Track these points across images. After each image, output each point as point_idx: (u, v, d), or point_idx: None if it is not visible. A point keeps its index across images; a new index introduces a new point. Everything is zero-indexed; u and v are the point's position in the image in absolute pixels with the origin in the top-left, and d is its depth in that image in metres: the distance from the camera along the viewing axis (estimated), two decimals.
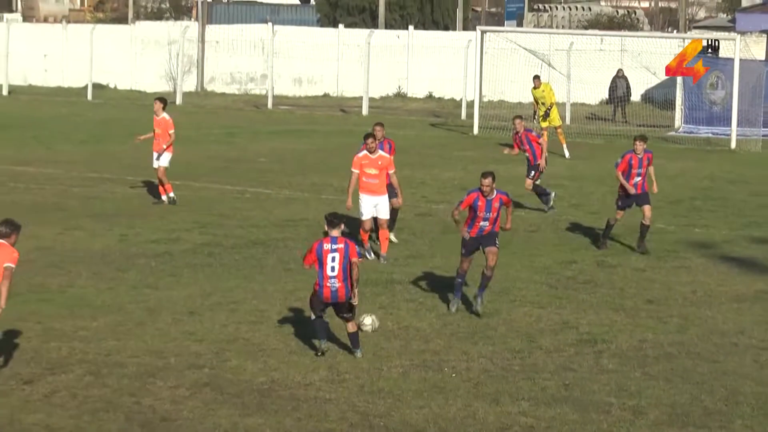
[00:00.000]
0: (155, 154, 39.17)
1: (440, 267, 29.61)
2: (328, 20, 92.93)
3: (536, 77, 53.25)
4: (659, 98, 70.10)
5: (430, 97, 78.25)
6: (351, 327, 22.88)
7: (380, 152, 30.95)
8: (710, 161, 50.77)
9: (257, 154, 49.95)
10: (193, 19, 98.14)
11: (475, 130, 60.02)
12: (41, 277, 28.25)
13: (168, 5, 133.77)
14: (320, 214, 28.13)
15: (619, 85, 69.04)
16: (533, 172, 38.47)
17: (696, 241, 33.11)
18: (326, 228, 23.24)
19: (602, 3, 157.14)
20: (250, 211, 32.37)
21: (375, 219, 30.77)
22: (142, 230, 33.81)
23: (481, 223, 24.13)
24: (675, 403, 20.06)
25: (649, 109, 68.44)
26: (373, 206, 30.58)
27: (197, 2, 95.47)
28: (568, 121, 64.08)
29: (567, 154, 50.97)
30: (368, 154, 30.70)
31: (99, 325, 24.40)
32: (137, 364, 22.02)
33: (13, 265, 21.28)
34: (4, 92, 79.50)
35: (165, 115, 40.59)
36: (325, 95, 79.26)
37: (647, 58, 65.17)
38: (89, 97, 76.08)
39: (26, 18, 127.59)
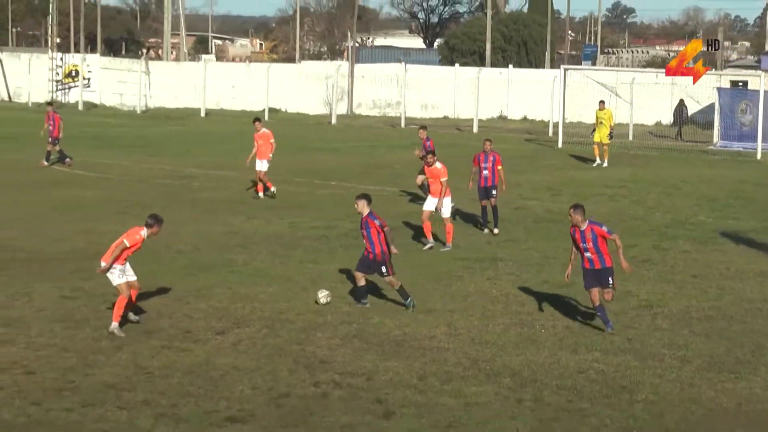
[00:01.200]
0: (258, 162, 38.54)
1: (532, 248, 29.97)
2: (447, 60, 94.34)
3: (601, 101, 53.27)
4: (701, 120, 70.42)
5: (524, 119, 78.62)
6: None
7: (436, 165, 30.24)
8: (741, 169, 50.51)
9: (392, 162, 50.36)
10: (344, 59, 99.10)
11: (559, 144, 60.31)
12: (230, 254, 28.86)
13: (326, 49, 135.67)
14: None
15: (683, 111, 69.94)
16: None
17: (729, 230, 32.89)
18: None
19: (657, 48, 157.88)
20: (385, 207, 32.50)
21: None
22: (305, 219, 34.09)
23: (586, 255, 21.79)
24: (713, 354, 20.15)
25: (693, 129, 68.72)
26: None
27: (348, 46, 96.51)
28: (630, 137, 64.99)
29: (605, 163, 50.61)
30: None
31: (273, 290, 24.82)
32: (302, 320, 22.41)
33: (128, 244, 21.22)
34: (202, 114, 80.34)
35: (264, 129, 39.66)
36: (445, 117, 79.79)
37: (691, 90, 65.42)
38: (266, 117, 76.82)
39: (219, 58, 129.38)
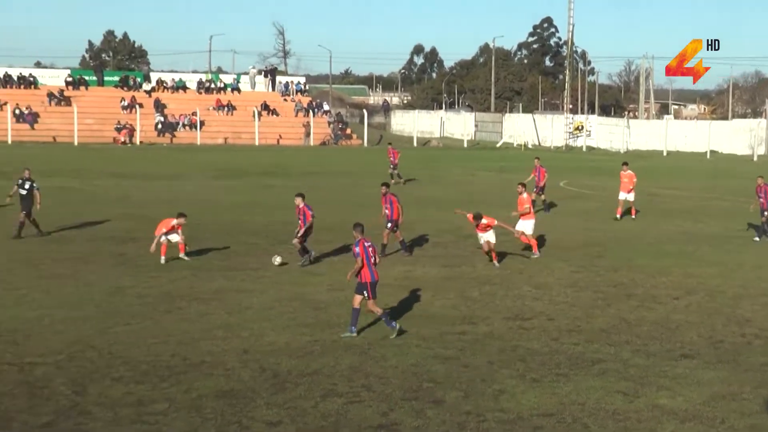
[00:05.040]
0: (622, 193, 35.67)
1: None
2: None
3: None
4: None
5: None
6: None
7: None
8: None
9: None
10: (764, 117, 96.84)
11: None
12: (683, 246, 29.00)
13: (750, 110, 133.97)
14: None
15: None
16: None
17: None
18: None
19: None
20: None
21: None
22: (718, 224, 34.39)
23: None
24: None
25: None
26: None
27: (765, 109, 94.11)
28: None
29: None
30: None
31: (713, 271, 25.12)
32: (733, 292, 22.60)
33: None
34: (664, 154, 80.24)
35: (629, 171, 35.75)
36: None
37: None
38: (707, 157, 77.23)
39: (676, 117, 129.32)
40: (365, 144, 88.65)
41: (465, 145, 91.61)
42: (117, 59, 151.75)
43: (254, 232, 30.76)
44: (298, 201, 25.17)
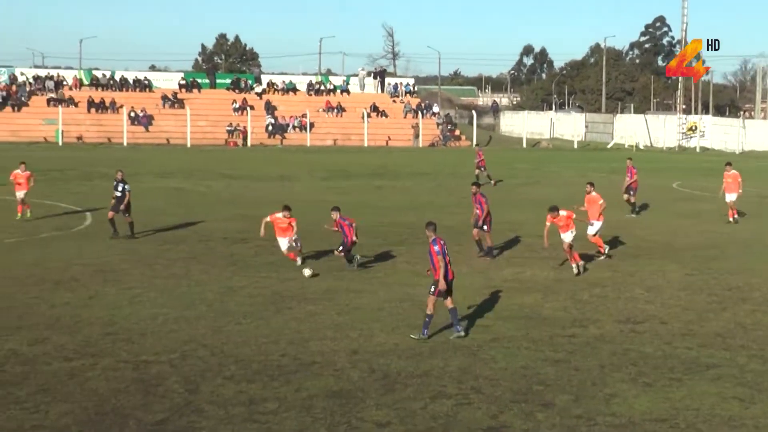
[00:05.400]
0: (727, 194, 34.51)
1: None
2: None
3: None
4: None
5: None
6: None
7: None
8: None
9: None
10: None
11: None
12: None
13: None
14: None
15: None
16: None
17: None
18: None
19: None
20: None
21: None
22: None
23: None
24: None
25: None
26: None
27: None
28: None
29: None
30: None
31: None
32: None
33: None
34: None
35: (733, 171, 34.76)
36: None
37: None
38: None
39: None
40: (474, 145, 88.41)
41: (575, 146, 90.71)
42: (229, 62, 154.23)
43: (363, 233, 30.84)
44: (335, 215, 24.87)
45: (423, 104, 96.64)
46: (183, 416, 13.22)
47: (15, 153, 63.99)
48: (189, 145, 79.25)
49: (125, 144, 78.04)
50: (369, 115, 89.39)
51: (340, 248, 24.79)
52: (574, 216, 24.80)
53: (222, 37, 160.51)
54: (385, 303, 20.39)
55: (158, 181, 48.50)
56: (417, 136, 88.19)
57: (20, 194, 32.93)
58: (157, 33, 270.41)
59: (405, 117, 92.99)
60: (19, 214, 32.73)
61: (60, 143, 76.61)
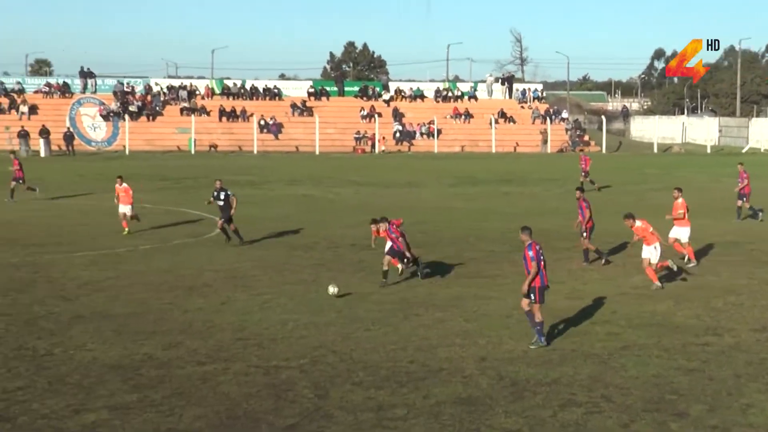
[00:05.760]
0: None
1: None
2: None
3: None
4: None
5: None
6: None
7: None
8: None
9: None
10: None
11: None
12: None
13: None
14: None
15: None
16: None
17: None
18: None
19: None
20: None
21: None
22: None
23: None
24: None
25: None
26: None
27: None
28: None
29: None
30: None
31: None
32: None
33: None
34: None
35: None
36: None
37: None
38: None
39: None
40: (603, 151, 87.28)
41: (708, 150, 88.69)
42: (357, 70, 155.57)
43: (491, 240, 30.86)
44: (382, 226, 24.42)
45: (551, 110, 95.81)
46: (313, 421, 13.37)
47: (150, 162, 65.87)
48: (317, 152, 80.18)
49: (255, 152, 79.39)
50: (497, 121, 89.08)
51: (405, 260, 24.34)
52: (651, 229, 23.41)
53: (350, 45, 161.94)
54: (513, 310, 20.22)
55: (287, 189, 49.23)
56: (545, 141, 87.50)
57: (121, 208, 32.32)
58: (286, 42, 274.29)
59: (533, 123, 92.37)
60: (126, 229, 32.02)
61: (192, 152, 78.38)
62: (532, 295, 17.40)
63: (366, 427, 13.13)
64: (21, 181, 42.52)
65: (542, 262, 17.41)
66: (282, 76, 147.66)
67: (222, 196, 29.72)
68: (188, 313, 20.06)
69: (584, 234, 26.42)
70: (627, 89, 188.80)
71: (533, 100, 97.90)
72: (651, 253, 23.21)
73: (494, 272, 25.11)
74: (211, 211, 36.23)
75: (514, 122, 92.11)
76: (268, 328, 18.70)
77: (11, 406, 13.84)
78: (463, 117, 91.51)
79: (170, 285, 23.20)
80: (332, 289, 21.55)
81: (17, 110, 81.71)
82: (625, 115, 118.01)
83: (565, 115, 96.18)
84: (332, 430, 13.06)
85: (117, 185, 32.69)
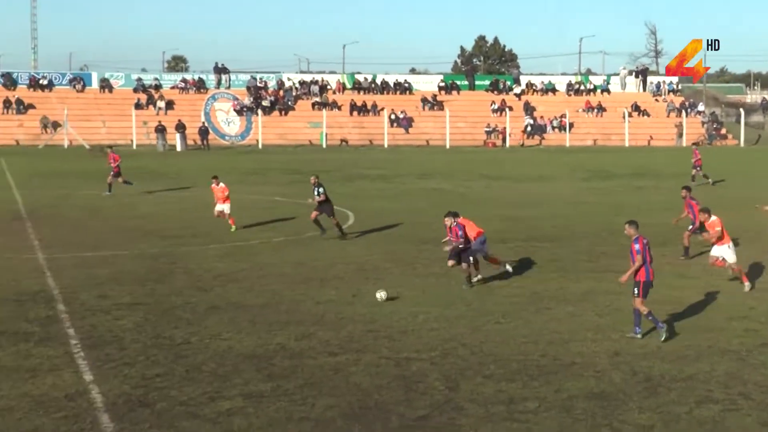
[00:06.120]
0: None
1: None
2: None
3: None
4: None
5: None
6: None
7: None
8: None
9: None
10: None
11: None
12: None
13: None
14: None
15: None
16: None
17: None
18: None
19: None
20: None
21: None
22: None
23: None
24: None
25: None
26: None
27: None
28: None
29: None
30: None
31: None
32: None
33: None
34: None
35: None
36: None
37: None
38: None
39: None
40: (741, 144, 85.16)
41: None
42: (488, 63, 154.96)
43: (624, 235, 30.33)
44: (449, 221, 22.76)
45: (687, 103, 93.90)
46: (444, 413, 13.38)
47: (282, 156, 66.90)
48: (448, 146, 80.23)
49: (386, 146, 79.87)
50: (630, 115, 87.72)
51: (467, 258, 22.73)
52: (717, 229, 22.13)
53: (481, 39, 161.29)
54: (647, 305, 19.90)
55: (418, 182, 49.38)
56: (680, 135, 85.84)
57: (218, 207, 31.97)
58: (416, 36, 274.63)
59: (668, 116, 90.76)
60: (233, 227, 31.56)
61: (324, 146, 79.28)
62: (636, 289, 17.30)
63: (497, 419, 13.10)
64: (117, 176, 42.35)
65: (648, 257, 17.20)
66: (412, 71, 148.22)
67: (321, 191, 29.69)
68: (320, 305, 20.29)
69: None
70: (767, 81, 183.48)
71: (668, 93, 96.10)
72: (724, 252, 22.23)
73: (626, 267, 24.38)
74: (344, 205, 36.55)
75: (648, 115, 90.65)
76: (399, 321, 18.78)
77: (150, 393, 14.22)
78: (595, 110, 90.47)
79: (302, 277, 23.50)
80: (380, 294, 20.67)
81: (154, 105, 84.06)
82: (765, 107, 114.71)
83: (701, 107, 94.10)
84: (463, 422, 13.06)
85: (213, 185, 32.46)
